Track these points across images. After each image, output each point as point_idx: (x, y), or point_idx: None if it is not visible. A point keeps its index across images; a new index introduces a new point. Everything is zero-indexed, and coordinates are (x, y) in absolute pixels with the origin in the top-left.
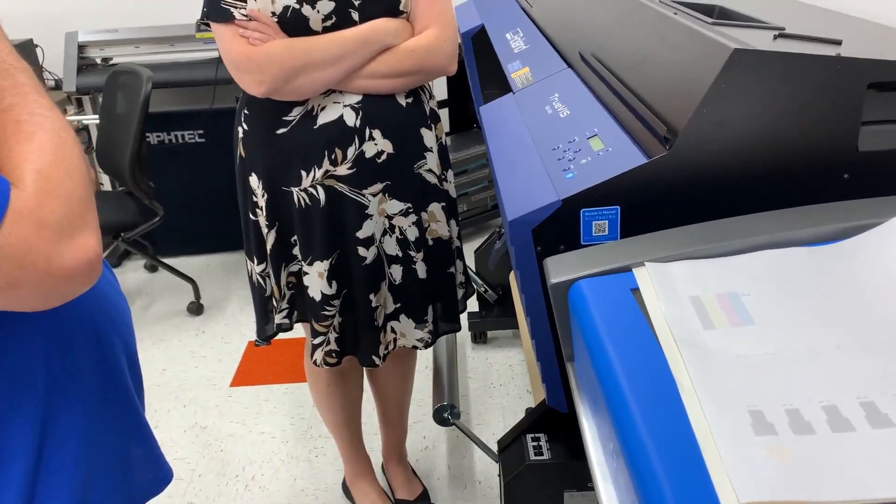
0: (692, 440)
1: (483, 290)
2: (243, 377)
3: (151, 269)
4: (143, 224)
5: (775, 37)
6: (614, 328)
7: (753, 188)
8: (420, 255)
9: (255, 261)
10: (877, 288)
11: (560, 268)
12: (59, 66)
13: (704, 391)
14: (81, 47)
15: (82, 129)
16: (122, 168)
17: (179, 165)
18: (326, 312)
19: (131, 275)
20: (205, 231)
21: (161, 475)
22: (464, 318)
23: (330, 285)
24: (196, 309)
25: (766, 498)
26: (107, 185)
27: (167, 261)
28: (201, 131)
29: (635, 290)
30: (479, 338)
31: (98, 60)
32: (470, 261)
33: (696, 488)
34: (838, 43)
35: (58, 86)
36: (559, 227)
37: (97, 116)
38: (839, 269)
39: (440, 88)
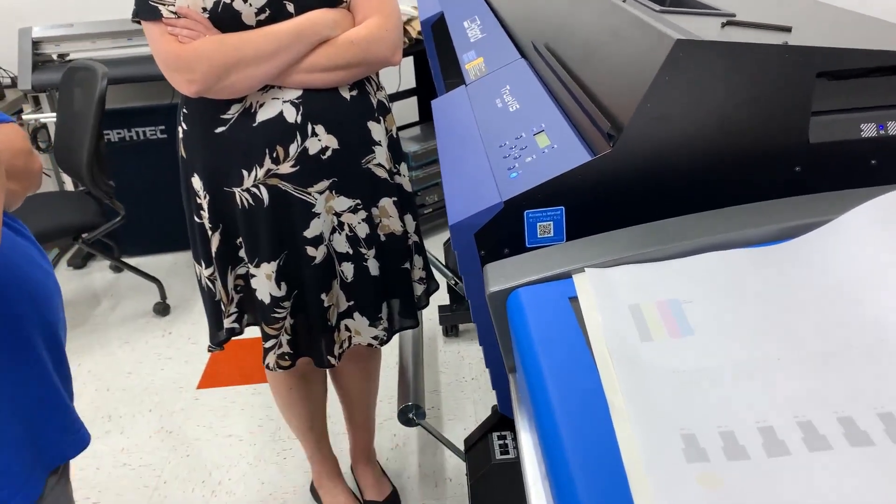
0: (620, 468)
1: (453, 282)
2: (211, 379)
3: (116, 269)
4: (104, 224)
5: (723, 25)
6: (549, 341)
7: (702, 185)
8: (371, 252)
9: (203, 264)
10: (822, 292)
11: (499, 275)
12: (13, 63)
13: (636, 412)
14: (36, 43)
15: (41, 128)
16: (81, 167)
17: (142, 162)
18: (276, 315)
19: (97, 275)
20: (171, 229)
21: (76, 439)
22: (434, 311)
23: (279, 287)
24: (162, 309)
25: None
26: (69, 185)
27: (134, 260)
28: (163, 127)
29: (574, 299)
30: (450, 331)
31: (54, 56)
32: (440, 252)
33: None
34: (788, 30)
35: (13, 83)
36: (502, 230)
37: (55, 114)
38: (785, 272)
39: (408, 76)
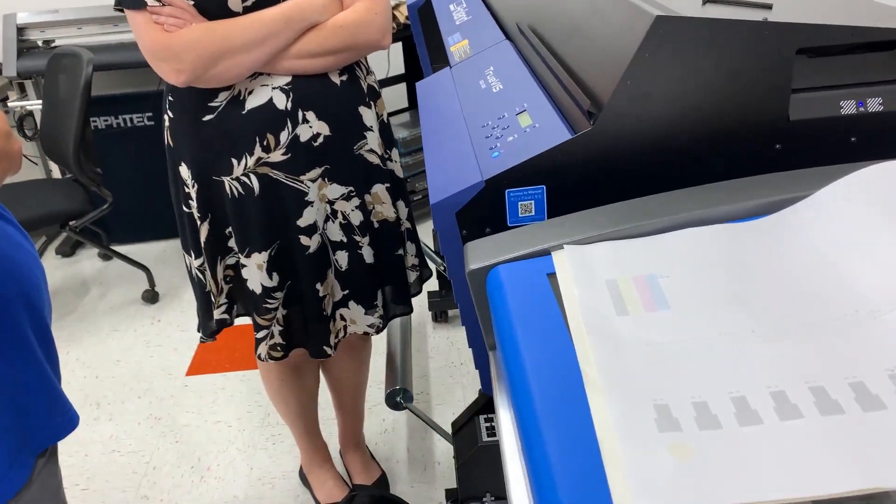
0: (594, 439)
1: (443, 268)
2: (199, 366)
3: (105, 257)
4: (92, 212)
5: (704, 1)
6: (527, 316)
7: (683, 163)
8: (366, 240)
9: (192, 254)
10: (798, 265)
11: (479, 253)
12: None
13: (609, 383)
14: (21, 29)
15: (27, 115)
16: (67, 154)
17: (130, 149)
18: (268, 305)
19: (86, 263)
20: (159, 216)
21: (63, 420)
22: (424, 297)
23: (270, 277)
24: (151, 297)
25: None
26: (56, 172)
27: (122, 248)
28: (150, 114)
29: (552, 275)
30: (439, 317)
31: (39, 43)
32: (430, 240)
33: (593, 494)
34: (768, 7)
35: None
36: (484, 210)
37: (41, 101)
38: (762, 247)
39: (397, 62)
